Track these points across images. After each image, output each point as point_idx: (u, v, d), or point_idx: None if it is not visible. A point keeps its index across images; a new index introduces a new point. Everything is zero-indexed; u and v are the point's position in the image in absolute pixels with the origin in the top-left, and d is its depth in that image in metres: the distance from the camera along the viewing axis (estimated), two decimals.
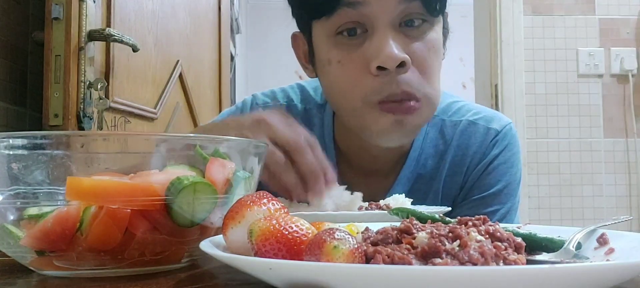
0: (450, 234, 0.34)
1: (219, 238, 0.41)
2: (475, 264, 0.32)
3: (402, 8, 0.72)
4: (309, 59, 0.83)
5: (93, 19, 1.34)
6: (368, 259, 0.33)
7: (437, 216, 0.46)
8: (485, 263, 0.32)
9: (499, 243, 0.34)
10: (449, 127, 0.88)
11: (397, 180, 0.87)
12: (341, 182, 0.86)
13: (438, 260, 0.32)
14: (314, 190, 0.66)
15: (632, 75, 2.53)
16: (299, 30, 0.84)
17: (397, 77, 0.72)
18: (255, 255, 0.35)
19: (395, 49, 0.70)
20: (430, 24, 0.75)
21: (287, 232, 0.35)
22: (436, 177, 0.87)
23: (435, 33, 0.76)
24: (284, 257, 0.35)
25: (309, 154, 0.66)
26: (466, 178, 0.87)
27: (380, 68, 0.71)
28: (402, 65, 0.71)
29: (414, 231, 0.36)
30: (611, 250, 0.41)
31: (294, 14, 0.83)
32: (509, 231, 0.39)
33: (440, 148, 0.88)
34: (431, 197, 0.87)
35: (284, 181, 0.65)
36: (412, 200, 0.71)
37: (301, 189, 0.66)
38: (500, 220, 0.83)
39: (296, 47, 0.86)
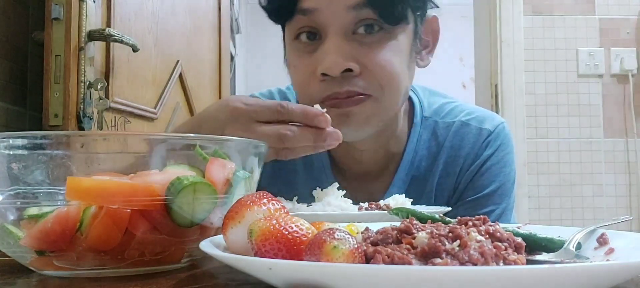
0: (450, 234, 0.34)
1: (219, 238, 0.41)
2: (475, 264, 0.32)
3: (352, 15, 0.73)
4: (284, 59, 0.86)
5: (93, 19, 1.34)
6: (368, 259, 0.33)
7: (437, 216, 0.46)
8: (485, 263, 0.32)
9: (499, 243, 0.34)
10: (442, 128, 0.88)
11: (392, 183, 0.87)
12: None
13: (438, 260, 0.32)
14: (324, 121, 0.63)
15: (632, 75, 2.53)
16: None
17: (343, 81, 0.73)
18: (255, 255, 0.35)
19: (340, 57, 0.72)
20: (390, 33, 0.75)
21: (287, 232, 0.35)
22: (429, 179, 0.87)
23: (395, 41, 0.76)
24: (284, 257, 0.35)
25: (292, 104, 0.64)
26: (459, 180, 0.87)
27: (324, 74, 0.73)
28: (348, 71, 0.72)
29: (414, 231, 0.36)
30: (611, 250, 0.41)
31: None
32: (509, 231, 0.39)
33: (433, 149, 0.88)
34: (424, 198, 0.87)
35: (303, 138, 0.62)
36: (412, 200, 0.71)
37: (322, 133, 0.63)
38: (496, 221, 0.83)
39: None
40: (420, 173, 0.87)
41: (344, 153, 0.87)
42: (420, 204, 0.84)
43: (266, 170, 0.92)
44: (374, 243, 0.36)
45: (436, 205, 0.86)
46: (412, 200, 0.71)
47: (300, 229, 0.35)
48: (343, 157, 0.88)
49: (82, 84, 1.29)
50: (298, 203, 0.71)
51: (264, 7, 0.82)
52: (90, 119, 1.31)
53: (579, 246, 0.43)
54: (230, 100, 0.67)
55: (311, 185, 0.76)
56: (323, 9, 0.73)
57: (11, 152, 0.41)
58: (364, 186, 0.88)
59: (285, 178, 0.91)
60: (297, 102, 0.92)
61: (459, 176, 0.86)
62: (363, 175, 0.88)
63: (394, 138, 0.87)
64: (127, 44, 1.40)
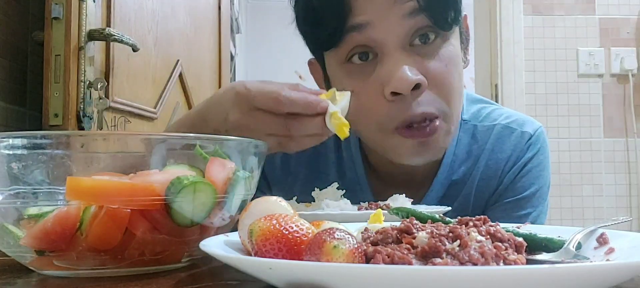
0: (450, 234, 0.34)
1: (219, 238, 0.41)
2: (475, 264, 0.32)
3: (409, 25, 0.69)
4: (325, 85, 0.82)
5: (93, 18, 1.34)
6: (368, 259, 0.33)
7: (437, 216, 0.46)
8: (486, 263, 0.32)
9: (499, 243, 0.34)
10: (482, 131, 0.87)
11: (430, 189, 0.85)
12: (372, 195, 0.84)
13: (438, 260, 0.32)
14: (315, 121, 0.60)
15: (632, 75, 2.52)
16: (314, 58, 0.82)
17: (414, 100, 0.70)
18: (256, 255, 0.35)
19: (408, 72, 0.68)
20: (444, 38, 0.73)
21: (287, 232, 0.35)
22: (468, 182, 0.85)
23: (451, 46, 0.73)
24: (284, 257, 0.35)
25: (293, 92, 0.59)
26: (500, 182, 0.85)
27: (394, 93, 0.69)
28: (417, 87, 0.69)
29: (414, 231, 0.36)
30: (611, 250, 0.41)
31: (307, 44, 0.81)
32: (509, 231, 0.39)
33: (474, 153, 0.86)
34: (460, 200, 0.85)
35: (309, 127, 0.59)
36: (412, 200, 0.71)
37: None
38: (532, 224, 0.81)
39: (313, 72, 0.85)
40: (458, 177, 0.86)
41: (389, 165, 0.83)
42: (455, 207, 0.83)
43: (300, 177, 0.89)
44: (374, 243, 0.36)
45: (474, 208, 0.85)
46: (412, 200, 0.71)
47: (300, 229, 0.35)
48: (387, 167, 0.85)
49: (82, 83, 1.29)
50: (297, 203, 0.71)
51: (306, 37, 0.78)
52: (90, 119, 1.31)
53: (579, 246, 0.43)
54: (235, 85, 0.63)
55: (346, 195, 0.72)
56: (377, 22, 0.69)
57: (11, 152, 0.40)
58: (402, 192, 0.86)
59: (319, 186, 0.82)
60: (355, 134, 0.84)
61: (501, 178, 0.85)
62: (403, 183, 0.85)
63: None
64: (127, 43, 1.40)
